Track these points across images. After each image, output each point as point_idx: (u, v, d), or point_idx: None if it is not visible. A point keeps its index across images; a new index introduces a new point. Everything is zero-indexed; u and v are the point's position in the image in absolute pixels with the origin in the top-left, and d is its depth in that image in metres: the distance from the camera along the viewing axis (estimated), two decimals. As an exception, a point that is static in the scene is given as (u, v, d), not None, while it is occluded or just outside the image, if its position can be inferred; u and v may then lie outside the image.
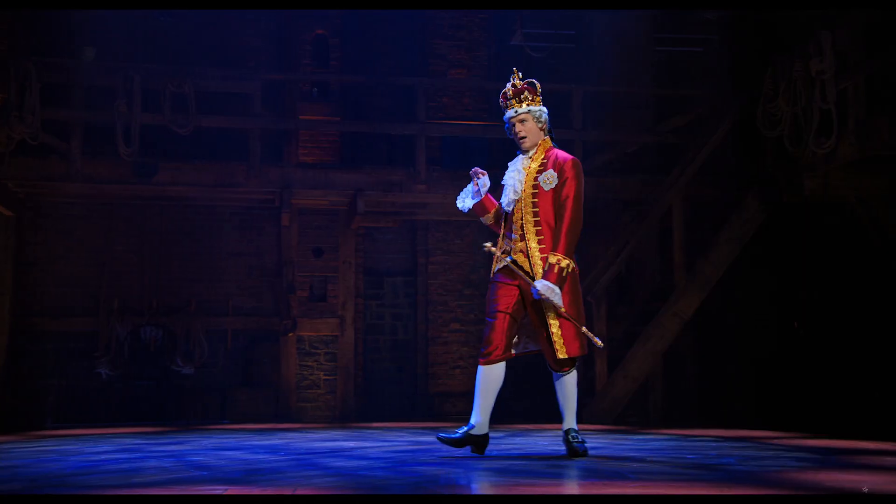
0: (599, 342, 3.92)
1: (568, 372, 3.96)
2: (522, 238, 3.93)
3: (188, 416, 8.73)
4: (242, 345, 9.34)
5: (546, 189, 3.92)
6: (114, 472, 3.42)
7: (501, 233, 4.09)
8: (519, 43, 11.02)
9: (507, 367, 4.00)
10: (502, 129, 9.41)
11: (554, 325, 3.83)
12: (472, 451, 3.96)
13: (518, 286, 3.94)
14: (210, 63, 9.38)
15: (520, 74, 4.18)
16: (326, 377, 9.44)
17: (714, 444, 4.86)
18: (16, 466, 3.73)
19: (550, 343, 3.86)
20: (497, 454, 4.14)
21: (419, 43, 10.78)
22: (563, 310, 3.80)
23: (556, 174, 3.92)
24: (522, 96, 4.08)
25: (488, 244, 4.04)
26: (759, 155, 8.25)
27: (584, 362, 8.80)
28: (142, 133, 8.15)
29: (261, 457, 4.07)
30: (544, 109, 4.11)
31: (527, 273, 3.87)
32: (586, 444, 4.03)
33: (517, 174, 4.02)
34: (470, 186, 4.23)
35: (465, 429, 3.93)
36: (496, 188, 4.20)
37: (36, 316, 8.90)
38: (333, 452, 4.32)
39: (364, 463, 3.69)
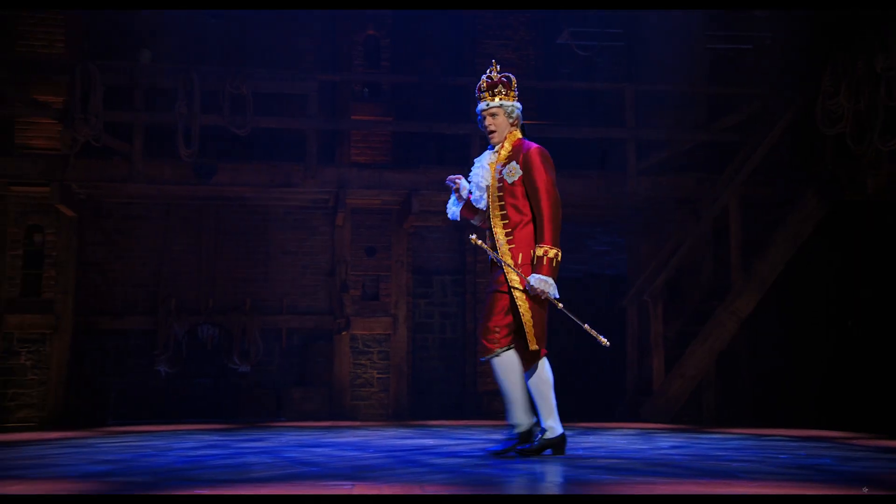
0: (605, 341, 3.80)
1: (534, 369, 3.86)
2: (491, 233, 3.91)
3: (244, 413, 8.83)
4: (297, 343, 9.43)
5: (509, 182, 3.87)
6: (221, 467, 3.48)
7: (480, 226, 4.10)
8: (566, 42, 11.03)
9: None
10: (556, 128, 9.45)
11: (526, 316, 3.74)
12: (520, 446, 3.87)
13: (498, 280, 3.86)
14: (259, 64, 9.48)
15: (497, 67, 4.14)
16: (379, 375, 9.51)
17: (793, 444, 4.84)
18: (121, 461, 3.81)
19: (495, 325, 3.78)
20: (584, 454, 4.15)
21: (467, 43, 10.81)
22: (560, 304, 3.75)
23: (518, 166, 3.86)
24: (496, 90, 4.04)
25: (473, 236, 3.94)
26: (817, 153, 8.17)
27: (639, 362, 8.80)
28: (200, 134, 8.27)
29: (353, 454, 4.13)
30: (517, 105, 4.06)
31: (512, 267, 3.78)
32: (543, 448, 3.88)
33: (482, 170, 3.99)
34: (452, 194, 4.15)
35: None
36: None
37: (97, 315, 9.05)
38: (421, 450, 4.36)
39: (462, 460, 3.73)
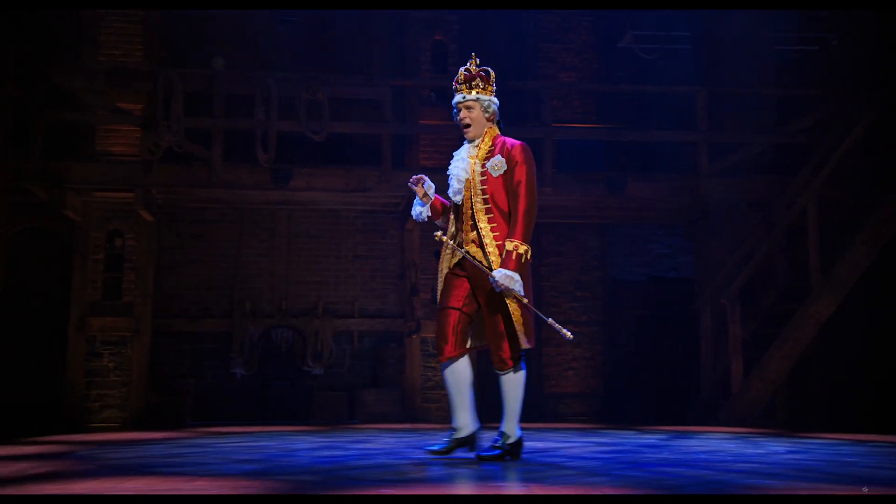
0: (569, 334, 3.68)
1: (512, 369, 3.78)
2: (474, 227, 3.80)
3: (317, 415, 8.93)
4: (368, 346, 9.51)
5: (495, 175, 3.79)
6: (369, 467, 3.54)
7: (451, 224, 3.98)
8: (628, 45, 11.03)
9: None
10: (625, 132, 9.42)
11: (516, 314, 3.66)
12: (468, 451, 3.84)
13: (468, 278, 3.82)
14: (328, 70, 9.59)
15: (477, 61, 4.07)
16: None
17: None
18: (261, 460, 3.89)
19: (508, 336, 3.70)
20: (713, 459, 4.15)
21: (529, 48, 10.85)
22: (525, 299, 3.64)
23: (504, 160, 3.80)
24: (473, 83, 3.97)
25: (439, 232, 3.89)
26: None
27: (714, 364, 8.75)
28: (276, 139, 8.39)
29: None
30: (494, 100, 3.98)
31: (481, 263, 3.72)
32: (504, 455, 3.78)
33: (462, 163, 3.91)
34: (416, 196, 4.08)
35: (451, 435, 3.87)
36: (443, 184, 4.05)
37: (173, 318, 9.21)
38: (543, 452, 4.38)
39: (614, 465, 3.75)
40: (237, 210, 9.44)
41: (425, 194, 4.02)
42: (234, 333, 9.13)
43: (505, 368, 3.75)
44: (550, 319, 3.67)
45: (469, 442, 3.86)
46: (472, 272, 3.78)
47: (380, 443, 5.16)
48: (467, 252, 3.76)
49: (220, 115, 8.44)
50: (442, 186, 4.12)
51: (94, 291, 8.84)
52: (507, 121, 9.71)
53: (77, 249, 8.82)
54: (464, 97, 3.96)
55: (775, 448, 4.77)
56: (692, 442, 5.33)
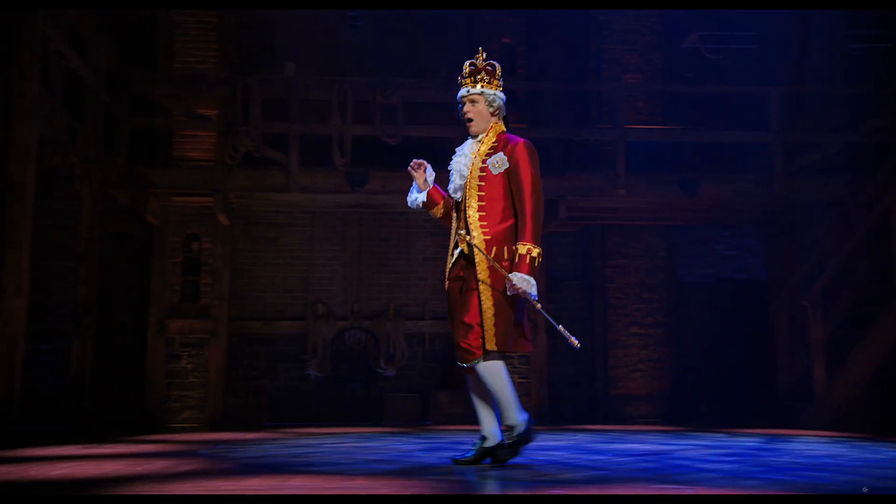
0: (576, 342, 3.52)
1: (482, 357, 3.56)
2: (467, 225, 3.68)
3: (390, 417, 8.99)
4: (438, 348, 9.57)
5: (494, 173, 3.67)
6: (511, 467, 3.57)
7: (453, 226, 3.83)
8: (693, 45, 10.96)
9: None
10: (699, 133, 9.34)
11: (488, 313, 3.54)
12: (492, 462, 3.66)
13: (462, 278, 3.69)
14: (397, 74, 9.66)
15: (483, 55, 3.99)
16: (520, 380, 9.57)
17: None
18: (393, 460, 3.94)
19: (477, 327, 3.53)
20: (859, 462, 4.12)
21: (593, 49, 10.83)
22: (538, 304, 3.56)
23: (505, 158, 3.67)
24: (479, 76, 3.86)
25: (463, 231, 3.68)
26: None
27: (790, 367, 8.67)
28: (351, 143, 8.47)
29: (648, 458, 4.17)
30: (500, 95, 3.86)
31: (500, 266, 3.54)
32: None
33: (464, 158, 3.78)
34: (414, 182, 3.98)
35: (477, 444, 3.70)
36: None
37: (248, 320, 9.34)
38: (668, 454, 4.38)
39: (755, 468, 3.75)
40: (309, 213, 9.55)
41: (425, 181, 3.92)
42: (308, 335, 9.24)
43: (473, 358, 3.55)
44: (560, 326, 3.55)
45: (494, 453, 3.71)
46: (465, 270, 3.68)
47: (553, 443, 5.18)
48: (482, 252, 3.56)
49: (297, 120, 8.55)
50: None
51: (173, 294, 9.00)
52: (578, 122, 9.79)
53: (156, 253, 9.00)
54: (468, 91, 3.85)
55: (892, 453, 4.71)
56: (797, 445, 5.29)
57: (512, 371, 9.64)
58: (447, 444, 5.20)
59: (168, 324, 8.90)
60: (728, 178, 9.02)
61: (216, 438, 6.05)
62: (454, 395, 9.20)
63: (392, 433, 6.69)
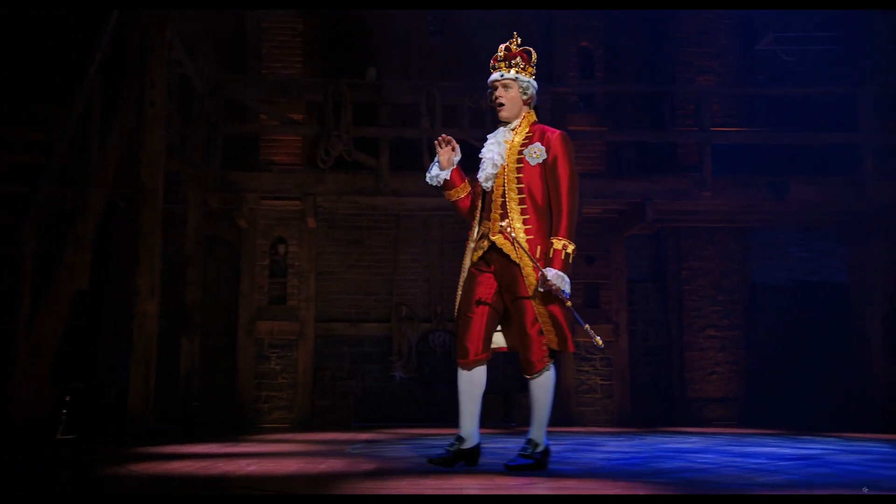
0: (600, 341, 3.37)
1: (543, 372, 3.47)
2: (504, 217, 3.50)
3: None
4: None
5: (532, 164, 3.52)
6: (723, 466, 3.64)
7: (477, 215, 3.65)
8: (767, 47, 10.95)
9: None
10: (783, 135, 9.32)
11: (543, 315, 3.42)
12: (465, 465, 3.55)
13: (494, 274, 3.54)
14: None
15: (518, 40, 3.78)
16: (602, 382, 9.63)
17: None
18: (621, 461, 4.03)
19: (537, 337, 3.41)
20: None
21: (666, 51, 10.86)
22: (568, 301, 3.41)
23: (543, 148, 3.53)
24: (514, 61, 3.68)
25: (504, 223, 3.48)
26: None
27: (886, 371, 8.65)
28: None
29: (808, 462, 4.22)
30: (534, 83, 3.70)
31: (532, 258, 3.39)
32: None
33: (497, 146, 3.61)
34: (436, 159, 3.79)
35: (453, 445, 3.56)
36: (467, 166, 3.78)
37: (333, 321, 9.48)
38: (818, 458, 4.42)
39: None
40: (393, 216, 9.67)
41: (449, 159, 3.75)
42: (393, 337, 9.36)
43: (534, 371, 3.46)
44: (587, 325, 3.43)
45: (470, 455, 3.59)
46: (502, 267, 3.51)
47: (612, 445, 5.26)
48: (527, 253, 3.40)
49: (387, 125, 8.66)
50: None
51: (261, 296, 9.16)
52: (645, 125, 9.81)
53: (244, 256, 9.16)
54: (502, 75, 3.67)
55: None
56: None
57: (594, 373, 9.76)
58: (576, 445, 5.28)
59: (257, 325, 9.06)
60: (817, 179, 9.01)
61: (336, 438, 6.17)
62: (539, 396, 9.25)
63: (493, 434, 6.77)
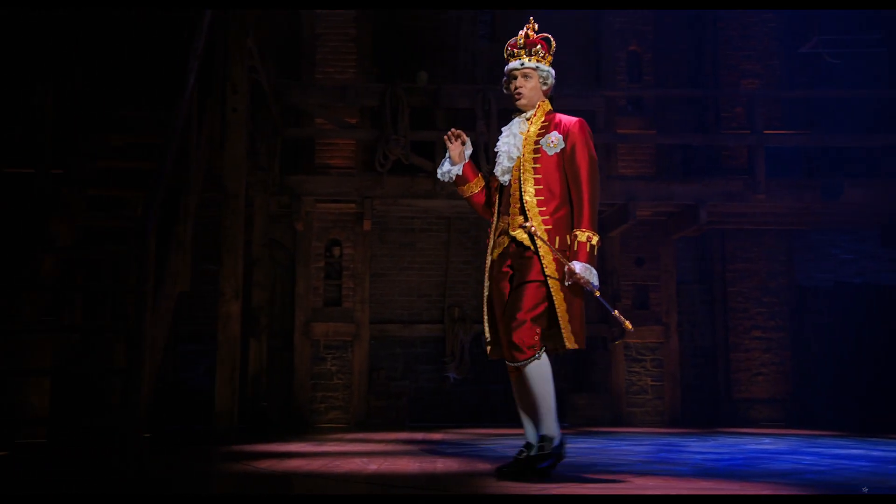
0: (630, 325, 3.32)
1: (533, 359, 3.31)
2: (522, 211, 3.37)
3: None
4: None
5: (550, 154, 3.38)
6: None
7: (496, 210, 3.53)
8: (812, 50, 10.95)
9: None
10: (834, 137, 9.32)
11: (562, 308, 3.28)
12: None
13: (511, 267, 3.41)
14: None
15: (535, 26, 3.64)
16: (653, 383, 9.65)
17: None
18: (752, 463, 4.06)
19: (532, 322, 3.27)
20: None
21: (709, 54, 10.87)
22: (597, 292, 3.30)
23: (561, 137, 3.39)
24: (534, 49, 3.53)
25: (528, 223, 3.33)
26: None
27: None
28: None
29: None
30: (553, 72, 3.57)
31: (561, 253, 3.26)
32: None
33: (513, 138, 3.48)
34: (447, 154, 3.66)
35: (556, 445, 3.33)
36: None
37: (387, 323, 9.54)
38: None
39: None
40: (444, 219, 9.73)
41: (460, 153, 3.63)
42: (447, 338, 9.41)
43: (524, 357, 3.29)
44: (616, 311, 3.37)
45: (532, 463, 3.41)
46: (519, 260, 3.38)
47: (694, 446, 5.29)
48: (546, 243, 3.28)
49: (444, 128, 8.71)
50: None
51: (316, 298, 9.23)
52: (692, 128, 9.83)
53: (300, 258, 9.23)
54: (522, 63, 3.52)
55: None
56: None
57: (644, 374, 9.78)
58: (660, 446, 5.31)
59: (313, 327, 9.12)
60: (868, 181, 9.01)
61: (411, 438, 6.22)
62: (592, 398, 9.31)
63: (597, 434, 6.79)
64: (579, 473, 3.52)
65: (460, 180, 3.65)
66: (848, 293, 10.88)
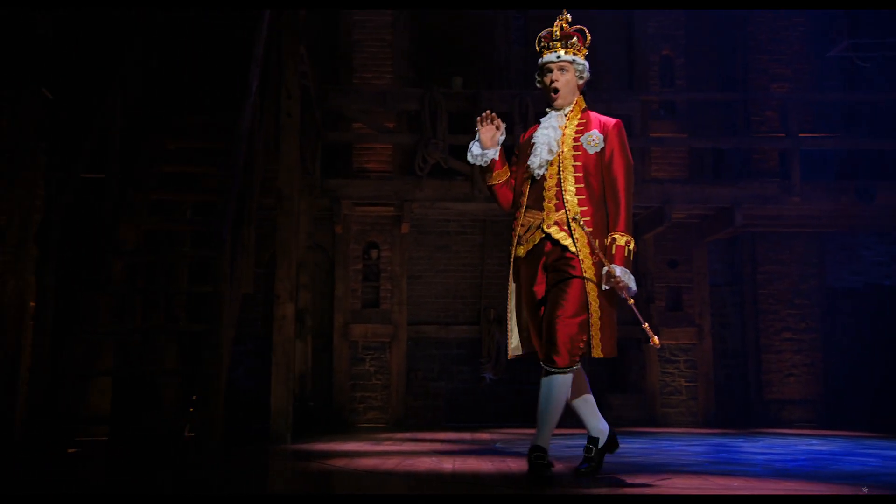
0: (657, 341, 3.19)
1: (572, 367, 3.21)
2: (560, 208, 3.24)
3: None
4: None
5: (590, 152, 3.26)
6: None
7: (524, 203, 3.35)
8: (842, 54, 10.90)
9: None
10: (867, 141, 9.27)
11: (595, 316, 3.16)
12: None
13: (545, 267, 3.27)
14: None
15: (569, 18, 3.48)
16: (687, 384, 9.63)
17: None
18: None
19: (580, 328, 3.14)
20: None
21: (739, 58, 10.85)
22: (631, 300, 3.18)
23: (602, 136, 3.29)
24: (570, 42, 3.39)
25: (578, 217, 3.22)
26: None
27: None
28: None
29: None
30: (587, 65, 3.45)
31: (603, 253, 3.14)
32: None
33: (552, 132, 3.34)
34: (477, 136, 3.50)
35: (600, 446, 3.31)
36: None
37: (424, 324, 9.57)
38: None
39: None
40: (479, 222, 9.75)
41: (492, 138, 3.46)
42: (483, 340, 9.42)
43: (563, 364, 3.19)
44: (646, 324, 3.23)
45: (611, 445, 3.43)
46: (554, 258, 3.23)
47: (745, 446, 5.28)
48: (592, 243, 3.16)
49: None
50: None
51: (355, 300, 9.27)
52: (723, 131, 9.80)
53: (338, 260, 9.28)
54: (558, 56, 3.37)
55: None
56: None
57: (678, 374, 9.76)
58: (713, 447, 5.30)
59: (351, 328, 9.16)
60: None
61: (459, 438, 6.24)
62: (627, 398, 9.30)
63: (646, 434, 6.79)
64: (657, 473, 3.52)
65: (491, 167, 3.46)
66: (879, 295, 10.83)
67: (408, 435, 6.65)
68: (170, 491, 2.86)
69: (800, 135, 8.96)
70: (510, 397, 9.43)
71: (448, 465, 3.81)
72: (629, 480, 3.20)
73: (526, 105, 8.72)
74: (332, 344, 9.15)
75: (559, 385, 3.23)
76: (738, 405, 10.36)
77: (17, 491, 2.76)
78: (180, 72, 6.34)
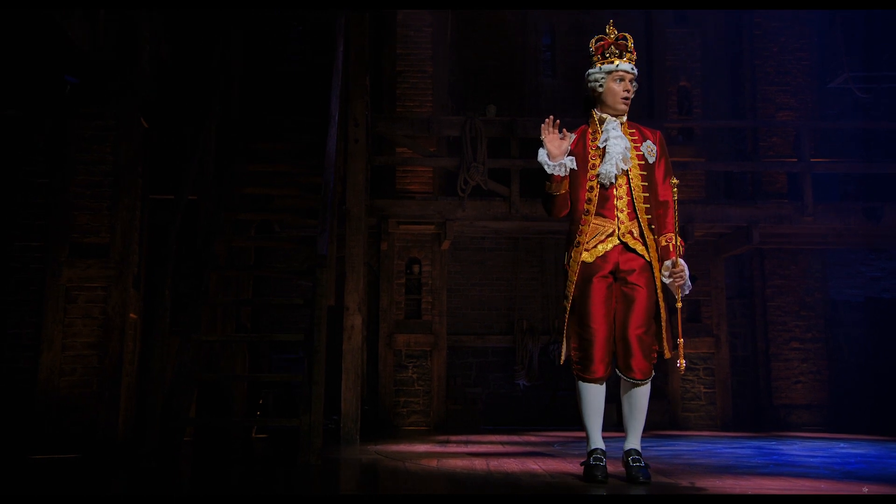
0: (683, 364, 3.10)
1: (649, 378, 3.14)
2: (633, 218, 3.14)
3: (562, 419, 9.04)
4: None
5: (650, 161, 3.20)
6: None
7: (592, 210, 3.18)
8: (841, 86, 10.93)
9: None
10: (877, 164, 9.26)
11: (663, 320, 3.09)
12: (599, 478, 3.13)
13: (615, 274, 3.13)
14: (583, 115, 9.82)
15: (615, 30, 3.34)
16: (706, 390, 9.57)
17: None
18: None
19: (655, 341, 3.07)
20: None
21: (748, 90, 10.88)
22: (679, 303, 3.15)
23: (655, 147, 3.23)
24: (631, 54, 3.25)
25: (668, 235, 3.14)
26: None
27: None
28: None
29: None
30: None
31: (648, 259, 3.05)
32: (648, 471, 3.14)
33: (622, 140, 3.19)
34: (545, 145, 3.25)
35: (602, 459, 3.21)
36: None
37: (462, 334, 9.53)
38: None
39: None
40: (512, 239, 9.73)
41: (558, 146, 3.23)
42: (517, 349, 9.38)
43: (643, 377, 3.14)
44: (681, 340, 3.14)
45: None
46: (626, 266, 3.10)
47: (784, 448, 5.22)
48: (674, 249, 3.07)
49: (517, 157, 8.75)
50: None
51: (398, 311, 9.24)
52: (734, 156, 9.81)
53: (383, 275, 9.25)
54: (632, 68, 3.25)
55: None
56: None
57: (697, 381, 9.70)
58: (757, 450, 5.25)
59: (395, 338, 9.13)
60: (907, 206, 8.94)
61: (508, 440, 6.19)
62: (651, 403, 9.20)
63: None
64: (736, 475, 3.48)
65: (563, 178, 3.22)
66: (878, 308, 10.80)
67: (462, 437, 6.59)
68: (301, 492, 2.83)
69: (811, 160, 8.95)
70: (544, 401, 9.37)
71: (536, 466, 3.78)
72: (719, 483, 3.16)
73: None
74: (377, 352, 9.12)
75: (643, 394, 3.27)
76: (750, 409, 10.30)
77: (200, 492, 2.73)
78: (258, 103, 6.36)
